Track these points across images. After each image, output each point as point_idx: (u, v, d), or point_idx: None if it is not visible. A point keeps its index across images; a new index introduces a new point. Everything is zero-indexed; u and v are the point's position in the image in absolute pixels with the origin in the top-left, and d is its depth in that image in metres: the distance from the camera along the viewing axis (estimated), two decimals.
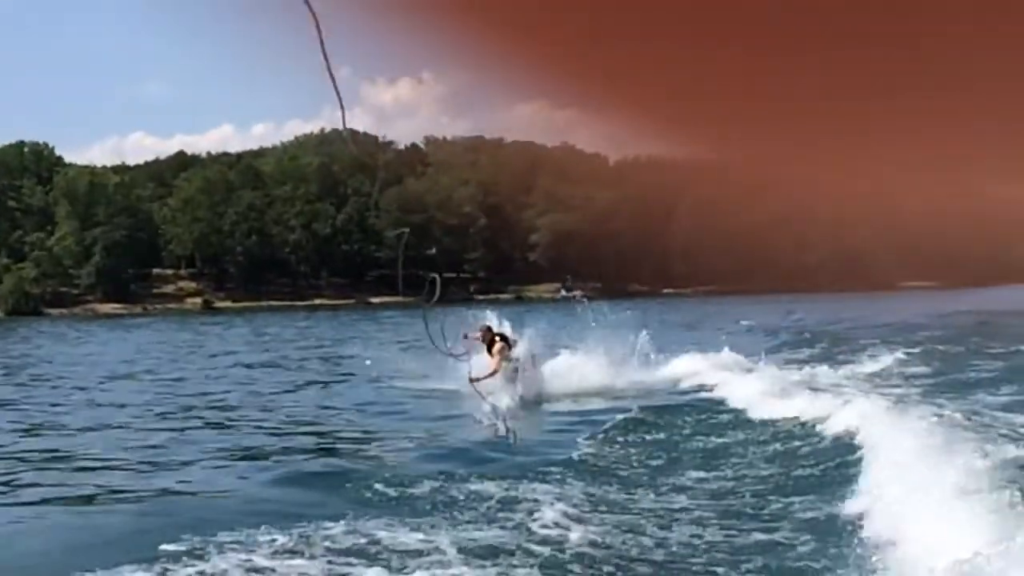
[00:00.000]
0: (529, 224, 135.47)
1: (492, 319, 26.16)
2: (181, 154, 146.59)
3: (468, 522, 11.27)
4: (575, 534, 10.73)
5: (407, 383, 25.69)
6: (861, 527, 10.29)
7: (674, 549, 10.35)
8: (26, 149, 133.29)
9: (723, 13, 1.80)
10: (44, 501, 13.36)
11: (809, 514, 11.57)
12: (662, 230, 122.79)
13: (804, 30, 1.80)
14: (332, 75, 2.27)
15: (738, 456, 15.64)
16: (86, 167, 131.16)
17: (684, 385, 24.76)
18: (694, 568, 9.73)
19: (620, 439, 17.28)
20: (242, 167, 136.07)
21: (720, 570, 9.61)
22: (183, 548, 10.14)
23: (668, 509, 12.19)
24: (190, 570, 9.43)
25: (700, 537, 10.75)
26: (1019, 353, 28.49)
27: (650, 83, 1.97)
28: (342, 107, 2.46)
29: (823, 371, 26.32)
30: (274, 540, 10.35)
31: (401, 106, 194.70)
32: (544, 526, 11.05)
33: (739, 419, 18.72)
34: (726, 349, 28.88)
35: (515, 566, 9.57)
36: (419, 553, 9.93)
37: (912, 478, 10.92)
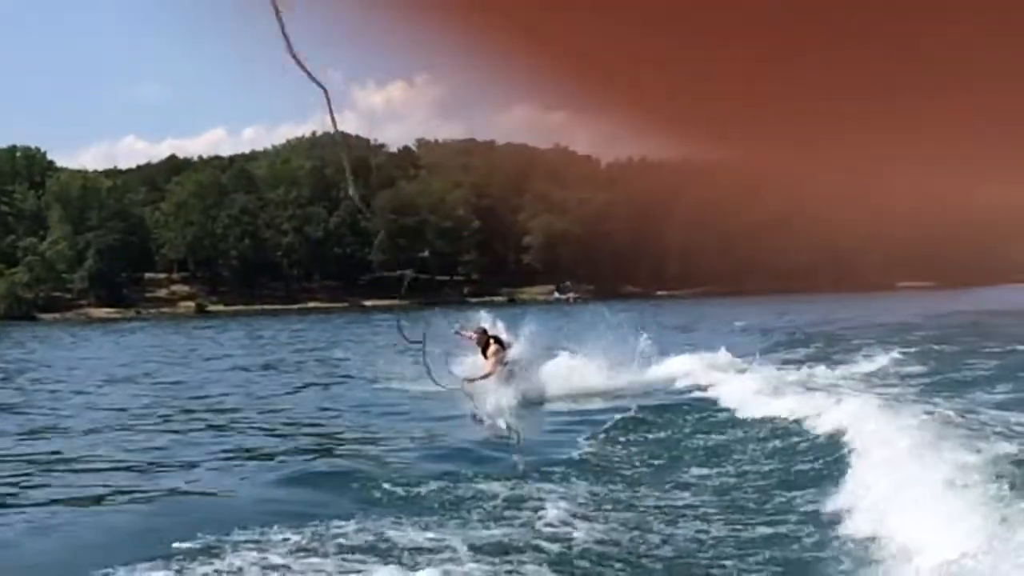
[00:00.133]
0: (522, 226, 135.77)
1: (486, 320, 26.30)
2: (173, 158, 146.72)
3: (476, 520, 11.46)
4: (583, 531, 10.93)
5: (404, 385, 25.83)
6: (851, 522, 10.48)
7: (680, 545, 10.55)
8: (18, 154, 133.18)
9: (723, 13, 1.81)
10: (55, 502, 13.48)
11: (802, 510, 11.77)
12: (656, 232, 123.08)
13: (804, 29, 1.80)
14: (302, 63, 2.22)
15: (736, 454, 15.84)
16: (78, 171, 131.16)
17: (681, 385, 24.96)
18: (700, 563, 9.93)
19: (621, 438, 17.49)
20: (234, 171, 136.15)
21: (727, 563, 9.81)
22: (197, 546, 10.33)
23: (671, 506, 12.38)
24: (207, 568, 9.60)
25: (704, 532, 10.95)
26: (1014, 352, 28.76)
27: (650, 82, 1.97)
28: (328, 100, 2.40)
29: (819, 371, 26.60)
30: (287, 539, 10.54)
31: (392, 109, 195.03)
32: (551, 524, 11.24)
33: (735, 418, 18.94)
34: (723, 349, 29.15)
35: (525, 563, 9.75)
36: (430, 551, 10.11)
37: (902, 473, 11.13)
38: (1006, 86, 1.86)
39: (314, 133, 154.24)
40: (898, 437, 13.02)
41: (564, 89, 2.05)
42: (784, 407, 18.54)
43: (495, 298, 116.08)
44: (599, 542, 10.56)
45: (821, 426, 16.14)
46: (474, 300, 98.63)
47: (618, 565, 9.79)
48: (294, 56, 2.13)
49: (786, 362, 30.29)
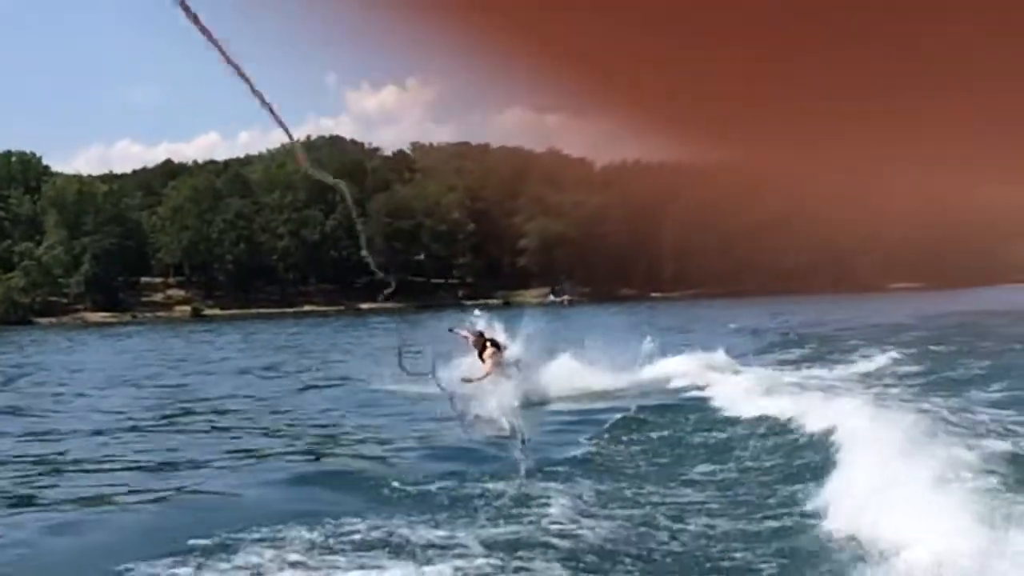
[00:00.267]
0: (517, 229, 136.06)
1: (482, 321, 26.55)
2: (169, 162, 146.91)
3: (485, 518, 11.75)
4: (590, 528, 11.24)
5: (405, 386, 26.07)
6: (850, 518, 10.68)
7: (684, 541, 10.85)
8: (13, 158, 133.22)
9: (723, 13, 1.81)
10: (69, 501, 13.74)
11: (797, 506, 12.03)
12: (651, 234, 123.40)
13: (804, 29, 1.81)
14: (245, 77, 2.17)
15: (735, 451, 16.14)
16: (74, 176, 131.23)
17: (678, 385, 25.29)
18: (703, 558, 10.24)
19: (624, 437, 17.83)
20: (230, 175, 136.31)
21: (726, 559, 10.12)
22: (213, 543, 10.62)
23: (674, 503, 12.68)
24: (225, 564, 9.88)
25: (708, 527, 11.26)
26: (1009, 352, 29.13)
27: (650, 82, 1.97)
28: (280, 120, 2.41)
29: (813, 371, 26.98)
30: (302, 536, 10.84)
31: (386, 112, 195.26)
32: (559, 521, 11.55)
33: (732, 417, 19.26)
34: (720, 350, 29.49)
35: (536, 559, 10.05)
36: (443, 547, 10.41)
37: (894, 470, 11.40)
38: (1006, 86, 1.87)
39: (308, 137, 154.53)
40: (890, 435, 13.31)
41: (564, 89, 2.06)
42: (779, 406, 18.87)
43: (490, 301, 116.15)
44: (607, 538, 10.86)
45: (814, 425, 16.41)
46: (469, 303, 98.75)
47: (628, 561, 10.09)
48: (243, 76, 2.12)
49: (782, 362, 30.72)
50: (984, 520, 9.07)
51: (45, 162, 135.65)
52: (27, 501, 14.01)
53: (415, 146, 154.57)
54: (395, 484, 13.52)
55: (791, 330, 47.54)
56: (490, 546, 10.47)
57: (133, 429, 21.46)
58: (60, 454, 18.21)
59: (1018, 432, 14.55)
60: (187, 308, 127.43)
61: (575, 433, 18.68)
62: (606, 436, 18.02)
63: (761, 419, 18.27)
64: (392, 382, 27.11)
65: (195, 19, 2.02)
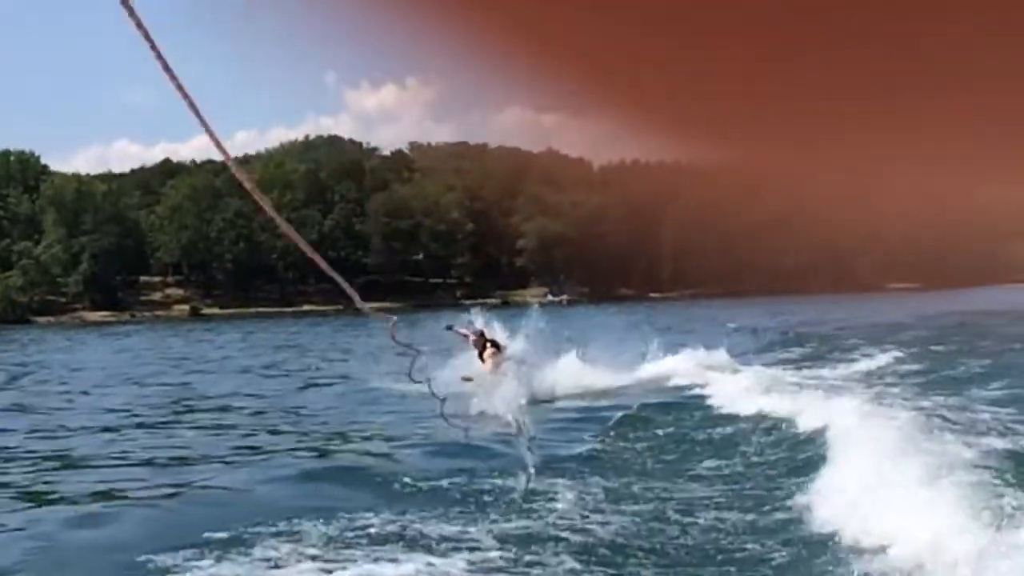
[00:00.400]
0: (516, 229, 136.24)
1: (480, 320, 26.73)
2: (167, 162, 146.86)
3: (497, 513, 11.96)
4: (600, 523, 11.47)
5: (405, 385, 26.17)
6: (839, 514, 10.87)
7: (690, 534, 11.07)
8: (12, 158, 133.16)
9: (723, 13, 1.81)
10: (86, 496, 13.89)
11: (794, 501, 12.25)
12: (649, 235, 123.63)
13: (804, 29, 1.80)
14: (176, 80, 2.21)
15: (739, 448, 16.39)
16: (73, 175, 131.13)
17: (679, 383, 25.51)
18: (712, 550, 10.45)
19: (629, 434, 18.06)
20: (228, 174, 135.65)
21: (722, 553, 10.34)
22: (229, 536, 10.81)
23: (679, 497, 12.90)
24: (244, 558, 10.08)
25: (718, 520, 11.48)
26: (1009, 351, 29.34)
27: (650, 82, 1.96)
28: (211, 132, 2.42)
29: (813, 370, 27.20)
30: (318, 530, 11.05)
31: (385, 112, 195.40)
32: (570, 516, 11.77)
33: (731, 415, 19.49)
34: (722, 350, 29.71)
35: (549, 553, 10.25)
36: (456, 540, 10.62)
37: (886, 466, 11.61)
38: (1006, 86, 1.86)
39: (307, 137, 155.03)
40: (887, 432, 13.52)
41: (563, 89, 2.05)
42: (779, 405, 19.11)
43: (489, 300, 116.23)
44: (617, 532, 11.09)
45: (813, 422, 16.61)
46: (468, 303, 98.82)
47: (640, 554, 10.31)
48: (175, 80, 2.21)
49: (782, 362, 30.93)
50: (975, 515, 9.25)
51: (43, 161, 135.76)
52: (43, 495, 14.21)
53: (413, 146, 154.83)
54: (406, 480, 13.72)
55: (790, 329, 47.75)
56: (503, 540, 10.69)
57: (140, 426, 21.68)
58: (70, 450, 18.41)
59: (1016, 430, 14.74)
60: (186, 307, 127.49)
61: (579, 431, 18.92)
62: (612, 433, 18.25)
63: (761, 417, 18.51)
64: (393, 380, 27.31)
65: (137, 22, 2.10)
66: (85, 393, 30.22)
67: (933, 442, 12.67)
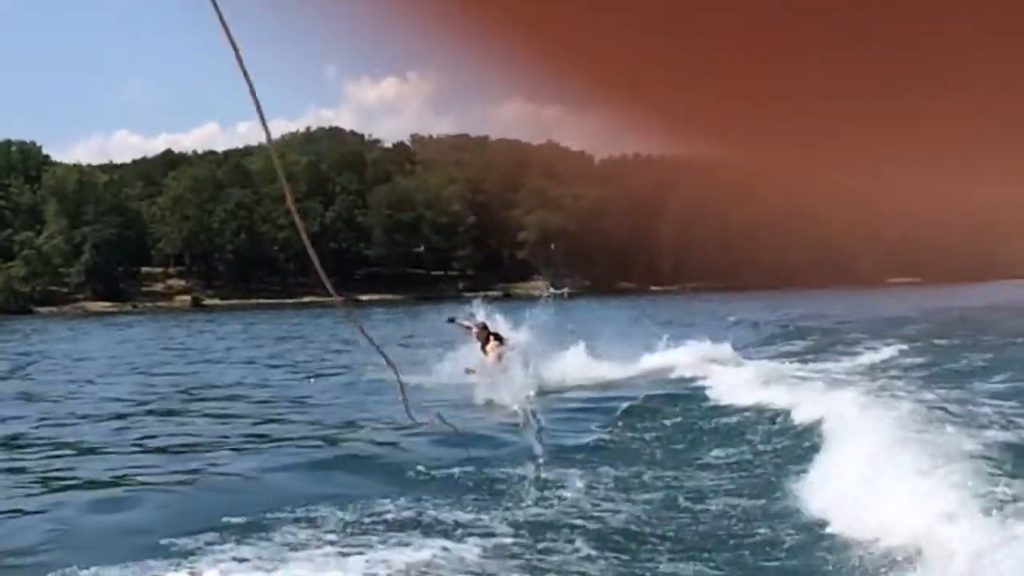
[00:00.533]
0: (517, 222, 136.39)
1: (481, 312, 26.88)
2: (169, 152, 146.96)
3: (510, 501, 12.13)
4: (611, 510, 11.66)
5: (409, 377, 26.33)
6: (839, 503, 10.99)
7: (705, 519, 11.27)
8: (13, 148, 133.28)
9: (723, 13, 1.80)
10: (104, 483, 14.07)
11: (793, 492, 12.42)
12: (650, 229, 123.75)
13: (804, 29, 1.79)
14: (248, 79, 2.23)
15: (744, 438, 16.58)
16: (75, 166, 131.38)
17: (683, 375, 25.72)
18: (725, 537, 10.64)
19: (637, 424, 18.25)
20: (230, 165, 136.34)
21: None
22: (247, 521, 11.00)
23: (690, 485, 13.10)
24: (265, 543, 10.23)
25: (716, 507, 11.67)
26: (1011, 346, 29.50)
27: (649, 81, 1.95)
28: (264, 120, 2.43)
29: (817, 364, 27.36)
30: (334, 516, 11.22)
31: (386, 104, 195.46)
32: (581, 504, 11.96)
33: (735, 407, 19.65)
34: (725, 343, 29.91)
35: (562, 540, 10.42)
36: (471, 527, 10.80)
37: (890, 457, 11.77)
38: (1006, 86, 1.85)
39: (308, 128, 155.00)
40: (888, 424, 13.69)
41: (562, 85, 2.04)
42: (782, 396, 19.29)
43: (490, 293, 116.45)
44: (628, 519, 11.29)
45: (814, 414, 16.76)
46: (469, 295, 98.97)
47: (654, 540, 10.49)
48: (247, 79, 2.18)
49: (785, 354, 31.10)
50: (973, 505, 9.42)
51: (45, 152, 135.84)
52: (60, 480, 14.39)
53: (415, 138, 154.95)
54: (419, 468, 13.90)
55: (791, 323, 47.90)
56: (517, 526, 10.87)
57: (150, 414, 21.89)
58: (83, 437, 18.57)
59: (1017, 423, 14.88)
60: (187, 298, 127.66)
61: (586, 421, 19.11)
62: (620, 424, 18.43)
63: (766, 408, 18.70)
64: (401, 371, 27.47)
65: (220, 17, 2.10)
66: (91, 382, 30.40)
67: (935, 433, 12.85)
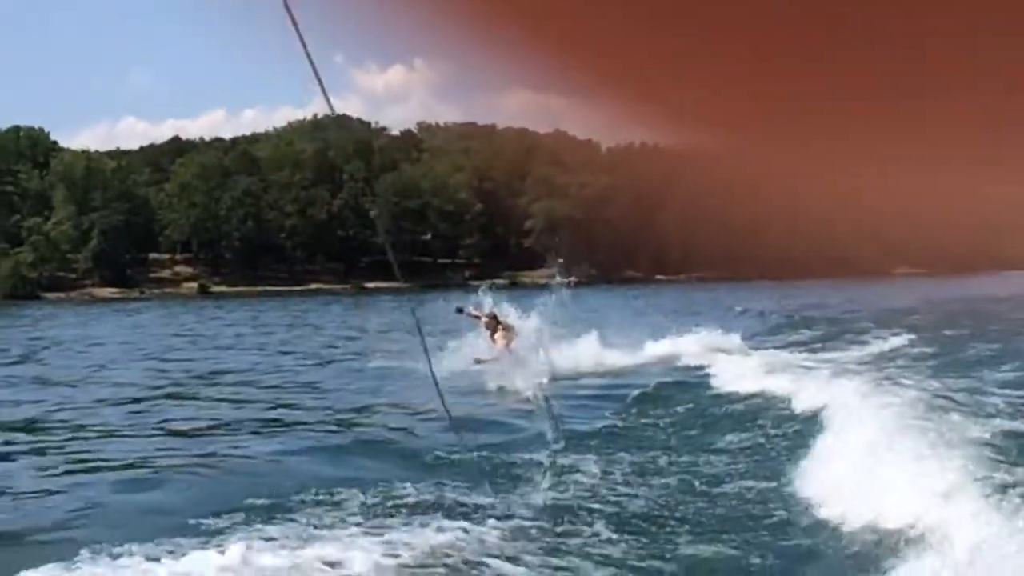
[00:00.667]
0: (524, 210, 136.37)
1: (488, 300, 27.07)
2: (176, 139, 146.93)
3: (527, 485, 12.37)
4: (628, 493, 11.89)
5: (420, 363, 26.45)
6: (839, 497, 11.14)
7: (722, 503, 11.48)
8: (21, 134, 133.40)
9: (732, 7, 1.82)
10: (121, 464, 14.25)
11: (795, 479, 12.59)
12: (657, 217, 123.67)
13: (809, 28, 1.80)
14: (312, 61, 2.39)
15: (745, 427, 16.78)
16: (83, 152, 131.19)
17: (693, 364, 25.97)
18: (740, 519, 10.85)
19: (649, 411, 18.49)
20: (238, 152, 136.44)
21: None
22: (271, 502, 11.23)
23: (703, 471, 13.30)
24: (292, 524, 10.46)
25: (731, 490, 11.88)
26: (1018, 336, 29.66)
27: (656, 76, 1.97)
28: (326, 95, 2.53)
29: (825, 353, 27.58)
30: (356, 498, 11.45)
31: (393, 92, 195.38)
32: (598, 487, 12.20)
33: (744, 394, 19.89)
34: (733, 332, 30.17)
35: (582, 522, 10.66)
36: (491, 510, 11.01)
37: (889, 447, 11.94)
38: (1008, 86, 1.85)
39: (316, 116, 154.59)
40: (890, 413, 13.86)
41: (569, 78, 2.06)
42: (790, 385, 19.50)
43: (497, 281, 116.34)
44: (644, 502, 11.51)
45: (817, 402, 16.92)
46: (475, 283, 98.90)
47: (673, 523, 10.72)
48: (311, 61, 2.39)
49: (792, 344, 31.34)
50: (964, 490, 9.57)
51: (53, 138, 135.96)
52: (83, 462, 14.57)
53: (422, 126, 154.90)
54: (437, 453, 14.11)
55: (796, 313, 48.10)
56: (536, 510, 11.10)
57: (168, 397, 22.13)
58: (102, 421, 18.77)
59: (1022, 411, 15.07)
60: (194, 285, 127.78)
61: (599, 408, 19.37)
62: (633, 410, 18.69)
63: (774, 396, 18.92)
64: (409, 359, 27.68)
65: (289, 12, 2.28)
66: (104, 367, 30.60)
67: (938, 420, 13.04)
